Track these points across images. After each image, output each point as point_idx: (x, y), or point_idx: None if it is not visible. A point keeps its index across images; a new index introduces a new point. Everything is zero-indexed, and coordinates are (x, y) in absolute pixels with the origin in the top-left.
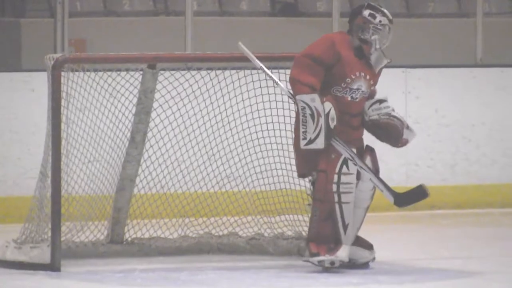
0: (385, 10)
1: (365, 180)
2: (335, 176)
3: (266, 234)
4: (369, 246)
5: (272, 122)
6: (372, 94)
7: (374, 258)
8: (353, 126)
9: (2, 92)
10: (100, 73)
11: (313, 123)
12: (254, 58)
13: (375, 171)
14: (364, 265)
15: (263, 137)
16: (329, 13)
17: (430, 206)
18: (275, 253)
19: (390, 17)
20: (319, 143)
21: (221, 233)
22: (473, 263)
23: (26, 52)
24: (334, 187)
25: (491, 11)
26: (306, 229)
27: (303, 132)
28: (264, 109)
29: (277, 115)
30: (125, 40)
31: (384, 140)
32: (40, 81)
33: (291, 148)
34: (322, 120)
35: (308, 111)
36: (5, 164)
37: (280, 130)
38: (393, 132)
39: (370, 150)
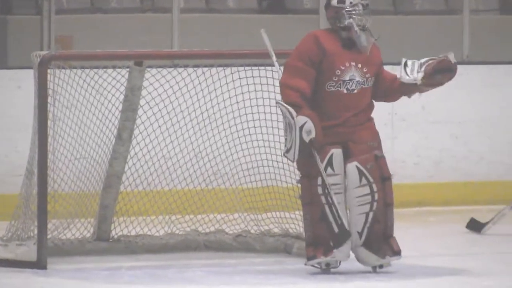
0: None
1: (350, 188)
2: (319, 178)
3: (253, 231)
4: (383, 249)
5: (259, 119)
6: (390, 78)
7: (381, 265)
8: (361, 123)
9: None
10: (87, 70)
11: (290, 135)
12: (272, 51)
13: (384, 178)
14: (372, 269)
15: (250, 134)
16: (316, 10)
17: (417, 203)
18: (262, 250)
19: None
20: (291, 156)
21: (208, 230)
22: (460, 260)
23: (12, 49)
24: (320, 190)
25: (478, 8)
26: (293, 226)
27: (284, 139)
28: (251, 106)
29: (264, 112)
30: (112, 37)
31: (447, 78)
32: (26, 78)
33: (278, 145)
34: (295, 134)
35: (286, 120)
36: None
37: (267, 127)
38: (447, 65)
39: (376, 157)
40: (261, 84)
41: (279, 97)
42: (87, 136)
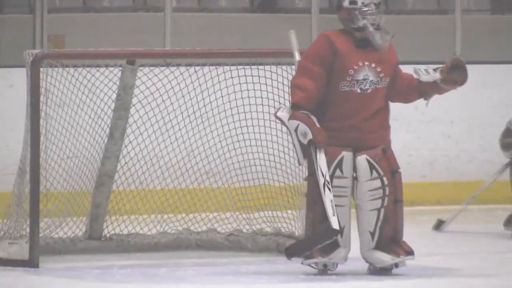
0: None
1: (361, 182)
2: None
3: (245, 231)
4: (395, 251)
5: (251, 118)
6: (409, 77)
7: (397, 265)
8: (374, 131)
9: None
10: (79, 69)
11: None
12: (297, 53)
13: (393, 170)
14: (385, 271)
15: (242, 133)
16: (308, 10)
17: (409, 202)
18: (253, 249)
19: None
20: (297, 160)
21: (200, 229)
22: (452, 259)
23: (4, 48)
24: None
25: (470, 8)
26: (285, 225)
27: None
28: (243, 105)
29: (256, 111)
30: (104, 36)
31: (463, 77)
32: (18, 77)
33: (270, 144)
34: (293, 138)
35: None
36: None
37: (259, 126)
38: (461, 63)
39: (384, 150)
40: (253, 83)
41: (271, 96)
42: (79, 135)
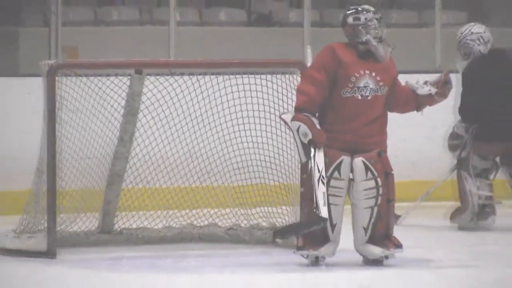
0: (365, 6)
1: (357, 182)
2: (326, 179)
3: (243, 225)
4: (386, 245)
5: (249, 122)
6: (407, 89)
7: (387, 256)
8: (371, 136)
9: (1, 95)
10: (91, 78)
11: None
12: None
13: (387, 172)
14: (377, 262)
15: (240, 136)
16: (300, 24)
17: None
18: (251, 242)
19: (372, 9)
20: (300, 158)
21: (202, 224)
22: (433, 252)
23: (22, 59)
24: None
25: (449, 22)
26: (279, 220)
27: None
28: (241, 110)
29: (253, 116)
30: (114, 48)
31: (451, 89)
32: (35, 85)
33: (266, 146)
34: (295, 138)
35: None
36: (2, 160)
37: (256, 130)
38: (449, 78)
39: (379, 153)
40: (250, 90)
41: (266, 102)
42: (91, 138)
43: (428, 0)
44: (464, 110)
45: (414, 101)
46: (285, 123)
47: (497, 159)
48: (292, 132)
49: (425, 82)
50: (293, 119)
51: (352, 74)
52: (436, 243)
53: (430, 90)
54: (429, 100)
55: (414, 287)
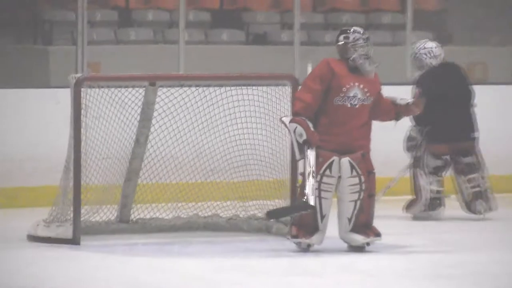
0: (354, 28)
1: (343, 178)
2: (319, 176)
3: (241, 216)
4: (367, 233)
5: (247, 127)
6: (388, 101)
7: (368, 243)
8: (357, 139)
9: (34, 104)
10: (112, 89)
11: (291, 139)
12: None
13: (369, 171)
14: (359, 248)
15: (239, 139)
16: (291, 42)
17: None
18: (248, 230)
19: (360, 29)
20: (295, 156)
21: (206, 215)
22: (404, 238)
23: (53, 73)
24: (316, 185)
25: (418, 40)
26: None
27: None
28: (241, 117)
29: (251, 122)
30: (132, 63)
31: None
32: (64, 95)
33: (261, 148)
34: (291, 137)
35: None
36: (37, 160)
37: (253, 134)
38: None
39: (363, 155)
40: (248, 100)
41: (262, 110)
42: (112, 140)
43: (400, 22)
44: (417, 115)
45: (394, 112)
46: (284, 124)
47: (448, 157)
48: (290, 132)
49: (401, 99)
50: (291, 121)
51: (344, 85)
52: (406, 231)
53: (408, 100)
54: (406, 110)
55: (388, 267)
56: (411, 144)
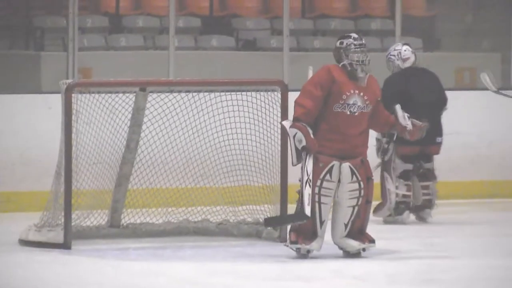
0: (351, 34)
1: (343, 183)
2: (319, 181)
3: (231, 220)
4: (361, 239)
5: (237, 133)
6: (387, 113)
7: (364, 249)
8: (357, 146)
9: (26, 109)
10: (103, 95)
11: (289, 144)
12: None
13: (368, 177)
14: (355, 254)
15: (229, 144)
16: (280, 48)
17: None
18: (238, 235)
19: (355, 36)
20: (292, 161)
21: (196, 220)
22: (394, 243)
23: (45, 78)
24: (316, 190)
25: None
26: (262, 216)
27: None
28: (230, 122)
29: (241, 127)
30: (122, 69)
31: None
32: (55, 101)
33: (251, 153)
34: (290, 142)
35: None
36: (28, 165)
37: (243, 139)
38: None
39: (362, 161)
40: (238, 105)
41: (251, 115)
42: (102, 146)
43: (389, 28)
44: None
45: (391, 125)
46: (285, 128)
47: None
48: (289, 137)
49: (408, 117)
50: (291, 126)
51: (344, 92)
52: (396, 235)
53: (408, 125)
54: (401, 131)
55: (379, 272)
56: (376, 146)
